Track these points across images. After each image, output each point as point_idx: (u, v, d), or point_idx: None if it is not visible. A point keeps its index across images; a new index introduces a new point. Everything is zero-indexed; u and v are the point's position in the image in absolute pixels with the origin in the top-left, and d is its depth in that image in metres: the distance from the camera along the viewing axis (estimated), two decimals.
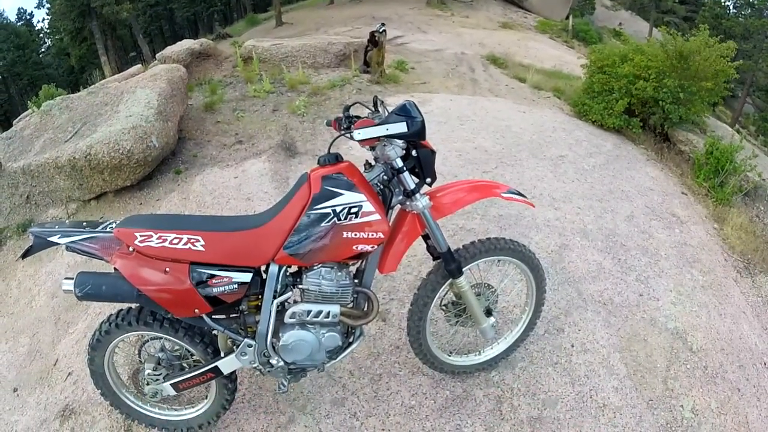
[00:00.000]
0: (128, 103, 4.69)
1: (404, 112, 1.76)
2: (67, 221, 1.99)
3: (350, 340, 2.02)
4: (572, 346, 2.73)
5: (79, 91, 5.87)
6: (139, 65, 8.67)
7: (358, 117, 1.90)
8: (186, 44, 7.65)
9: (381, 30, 6.94)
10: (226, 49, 8.68)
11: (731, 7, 27.33)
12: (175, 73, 5.55)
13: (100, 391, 2.14)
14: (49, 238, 1.77)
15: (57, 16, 26.55)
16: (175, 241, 1.71)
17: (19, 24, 36.63)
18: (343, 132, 1.88)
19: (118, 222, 1.81)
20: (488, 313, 2.27)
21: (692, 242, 3.88)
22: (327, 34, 12.17)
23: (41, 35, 38.22)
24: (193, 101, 6.22)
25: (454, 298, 2.25)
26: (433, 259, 2.12)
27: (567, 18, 20.24)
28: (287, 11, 24.12)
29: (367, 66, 7.20)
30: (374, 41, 6.99)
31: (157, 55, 7.87)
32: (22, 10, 38.25)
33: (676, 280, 3.40)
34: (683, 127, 5.93)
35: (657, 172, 5.11)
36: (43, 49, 38.07)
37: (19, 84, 32.76)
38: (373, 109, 1.97)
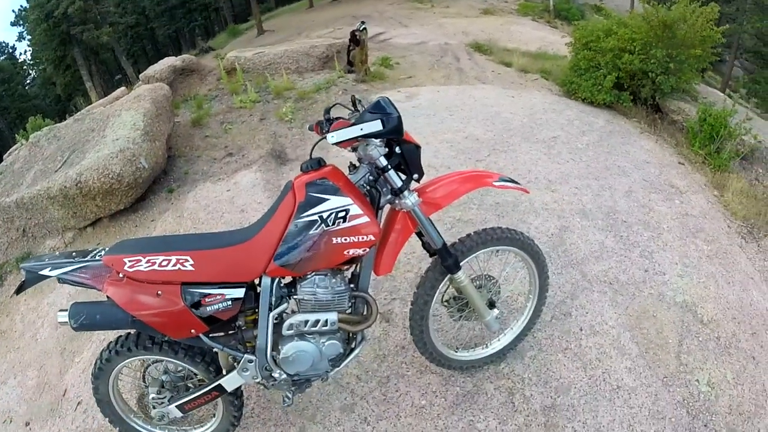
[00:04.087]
0: (114, 126, 4.67)
1: (378, 110, 1.70)
2: (57, 252, 1.96)
3: (352, 346, 1.99)
4: (581, 329, 2.69)
5: (66, 119, 5.85)
6: (123, 88, 8.65)
7: (339, 118, 1.86)
8: (168, 62, 7.62)
9: (362, 28, 6.89)
10: (210, 63, 8.64)
11: None
12: (159, 92, 5.52)
13: (108, 419, 2.12)
14: (40, 272, 1.75)
15: (39, 47, 26.68)
16: (164, 263, 1.68)
17: (1, 58, 36.65)
18: (323, 135, 1.84)
19: (106, 249, 1.79)
20: (491, 305, 2.24)
21: (694, 212, 3.84)
22: (309, 37, 12.13)
23: (25, 67, 38.23)
24: (180, 118, 6.19)
25: (455, 293, 2.21)
26: (430, 256, 2.08)
27: None
28: (268, 19, 24.13)
29: (351, 66, 7.16)
30: (356, 40, 6.93)
31: (140, 76, 7.84)
32: (3, 44, 38.32)
33: (680, 252, 3.36)
34: (674, 96, 5.89)
35: (652, 145, 5.06)
36: (28, 81, 38.16)
37: (7, 118, 32.80)
38: (353, 108, 1.93)
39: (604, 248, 3.34)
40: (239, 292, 1.73)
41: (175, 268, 1.68)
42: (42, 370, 3.20)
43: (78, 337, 3.30)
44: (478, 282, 2.19)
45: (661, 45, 5.59)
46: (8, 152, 6.28)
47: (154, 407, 2.02)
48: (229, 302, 1.72)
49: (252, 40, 19.19)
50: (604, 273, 3.11)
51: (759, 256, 3.53)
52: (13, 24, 30.83)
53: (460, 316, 2.27)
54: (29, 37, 28.35)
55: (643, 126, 5.59)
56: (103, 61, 30.55)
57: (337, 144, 1.70)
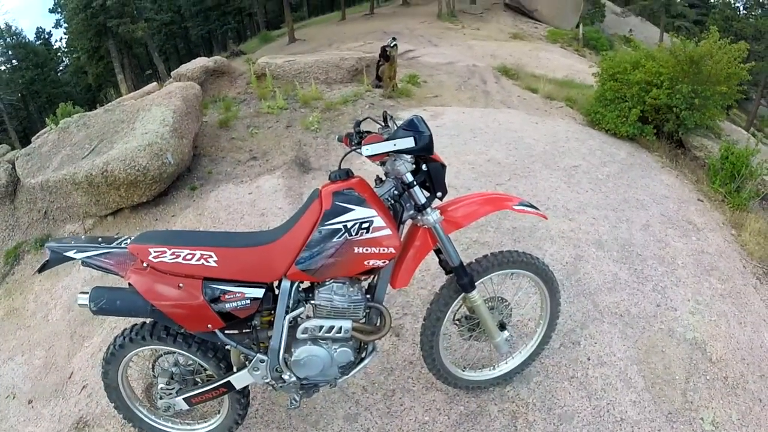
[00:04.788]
0: (144, 120, 4.78)
1: (412, 127, 1.76)
2: (83, 236, 2.02)
3: (363, 355, 2.01)
4: (588, 359, 2.68)
5: (96, 108, 5.99)
6: (155, 83, 8.84)
7: (369, 132, 1.90)
8: (200, 62, 7.78)
9: (392, 44, 7.00)
10: (240, 67, 8.82)
11: (741, 9, 27.17)
12: (190, 90, 5.64)
13: (113, 404, 2.15)
14: (65, 253, 1.80)
15: (74, 36, 27.35)
16: (189, 257, 1.73)
17: (37, 43, 37.67)
18: (353, 148, 1.89)
19: (132, 238, 1.84)
20: (502, 327, 2.25)
21: (710, 250, 3.81)
22: (339, 49, 12.33)
23: (59, 54, 39.26)
24: (207, 118, 6.31)
25: (467, 313, 2.23)
26: (446, 274, 2.11)
27: (577, 27, 20.24)
28: (300, 28, 24.55)
29: (380, 81, 7.25)
30: (386, 56, 7.04)
31: (172, 73, 8.01)
32: (40, 30, 39.29)
33: (694, 289, 3.33)
34: (697, 132, 5.86)
35: (672, 180, 5.04)
36: (61, 68, 39.09)
37: (37, 101, 33.60)
38: (383, 124, 1.98)
39: (618, 280, 3.32)
40: (259, 292, 1.77)
41: (199, 262, 1.73)
42: (50, 351, 3.26)
43: (89, 322, 3.35)
44: (490, 303, 2.20)
45: (687, 80, 5.59)
46: (37, 135, 6.45)
47: (161, 397, 2.05)
48: (248, 301, 1.76)
49: (283, 48, 19.55)
50: (616, 305, 3.10)
51: None
52: (51, 11, 31.66)
53: (470, 336, 2.28)
54: (66, 25, 29.13)
55: (665, 160, 5.57)
56: (135, 55, 31.24)
57: (369, 157, 1.75)
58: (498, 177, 4.63)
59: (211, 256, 1.73)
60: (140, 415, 2.20)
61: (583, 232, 3.82)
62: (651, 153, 5.76)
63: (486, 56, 11.87)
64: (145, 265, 1.76)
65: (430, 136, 1.77)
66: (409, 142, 1.73)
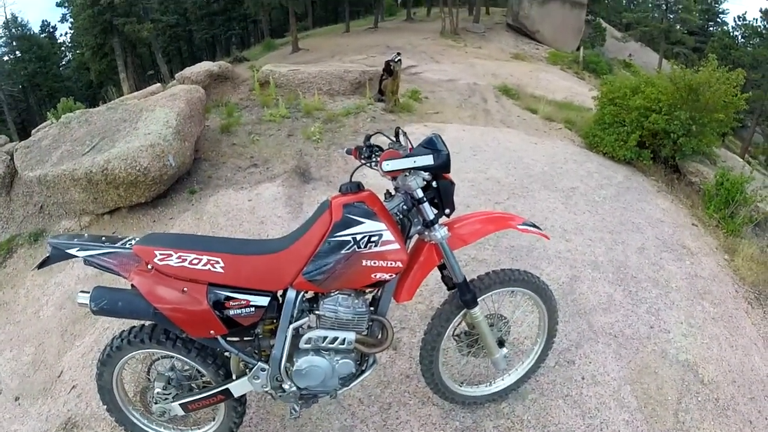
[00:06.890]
0: (147, 120, 4.78)
1: (431, 145, 1.79)
2: (85, 234, 2.00)
3: (363, 367, 2.01)
4: (583, 378, 2.70)
5: (96, 105, 5.97)
6: (159, 84, 8.82)
7: (378, 146, 1.92)
8: (205, 66, 7.80)
9: (396, 59, 7.07)
10: (243, 73, 8.83)
11: (740, 37, 27.65)
12: (194, 94, 5.65)
13: (106, 406, 2.13)
14: (67, 250, 1.79)
15: (80, 31, 27.30)
16: (195, 261, 1.73)
17: (42, 36, 37.44)
18: (364, 162, 1.91)
19: (137, 239, 1.83)
20: (501, 344, 2.26)
21: (703, 274, 3.86)
22: (342, 61, 12.41)
23: (63, 48, 39.10)
24: (209, 123, 6.31)
25: (466, 329, 2.24)
26: (448, 289, 2.12)
27: (578, 49, 20.54)
28: (304, 38, 24.66)
29: (382, 94, 7.30)
30: (389, 70, 7.10)
31: (176, 75, 8.01)
32: (45, 23, 39.03)
33: (686, 311, 3.37)
34: (693, 158, 5.94)
35: (667, 204, 5.11)
36: (63, 62, 38.86)
37: (38, 94, 33.40)
38: (394, 139, 2.00)
39: (613, 301, 3.35)
40: (264, 300, 1.77)
41: (205, 267, 1.73)
42: (40, 348, 3.21)
43: (81, 321, 3.31)
44: (490, 320, 2.22)
45: (685, 107, 5.68)
46: (37, 128, 6.40)
47: (156, 402, 2.02)
48: (253, 309, 1.76)
49: (286, 56, 19.65)
50: (611, 325, 3.13)
51: (764, 323, 3.53)
52: (58, 5, 31.29)
53: (469, 352, 2.29)
54: (72, 20, 29.02)
55: (661, 185, 5.64)
56: (138, 55, 31.13)
57: (387, 172, 1.77)
58: (497, 195, 4.67)
59: (218, 262, 1.73)
60: (133, 419, 2.17)
61: (579, 252, 3.85)
62: (647, 177, 5.83)
63: (487, 75, 12.01)
64: (149, 267, 1.75)
65: (448, 154, 1.81)
66: (428, 160, 1.76)
